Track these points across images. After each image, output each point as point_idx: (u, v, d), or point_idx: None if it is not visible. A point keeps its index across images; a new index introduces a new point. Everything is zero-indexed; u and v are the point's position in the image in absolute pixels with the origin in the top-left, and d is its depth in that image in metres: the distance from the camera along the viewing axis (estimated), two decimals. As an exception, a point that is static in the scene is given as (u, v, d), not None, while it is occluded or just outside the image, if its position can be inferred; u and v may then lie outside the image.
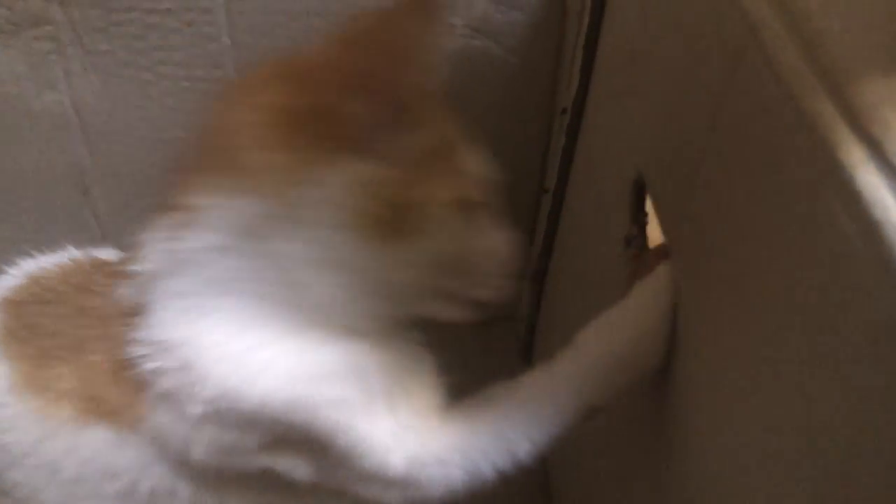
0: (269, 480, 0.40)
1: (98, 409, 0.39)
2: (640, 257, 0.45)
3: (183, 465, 0.39)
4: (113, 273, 0.42)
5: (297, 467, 0.39)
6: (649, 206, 0.44)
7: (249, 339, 0.36)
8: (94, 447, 0.40)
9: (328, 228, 0.35)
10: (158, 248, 0.38)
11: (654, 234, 0.45)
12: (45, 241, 0.56)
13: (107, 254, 0.48)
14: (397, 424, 0.38)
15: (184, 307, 0.37)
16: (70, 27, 0.59)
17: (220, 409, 0.36)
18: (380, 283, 0.37)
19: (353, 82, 0.34)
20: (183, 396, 0.36)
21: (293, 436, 0.37)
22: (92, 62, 0.61)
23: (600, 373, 0.39)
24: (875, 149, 0.24)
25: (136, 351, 0.37)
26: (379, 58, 0.35)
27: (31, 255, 0.48)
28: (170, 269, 0.37)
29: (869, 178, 0.23)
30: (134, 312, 0.39)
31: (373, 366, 0.38)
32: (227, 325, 0.36)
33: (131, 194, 0.69)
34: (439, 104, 0.38)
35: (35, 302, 0.44)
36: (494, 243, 0.40)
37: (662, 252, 0.40)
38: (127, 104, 0.63)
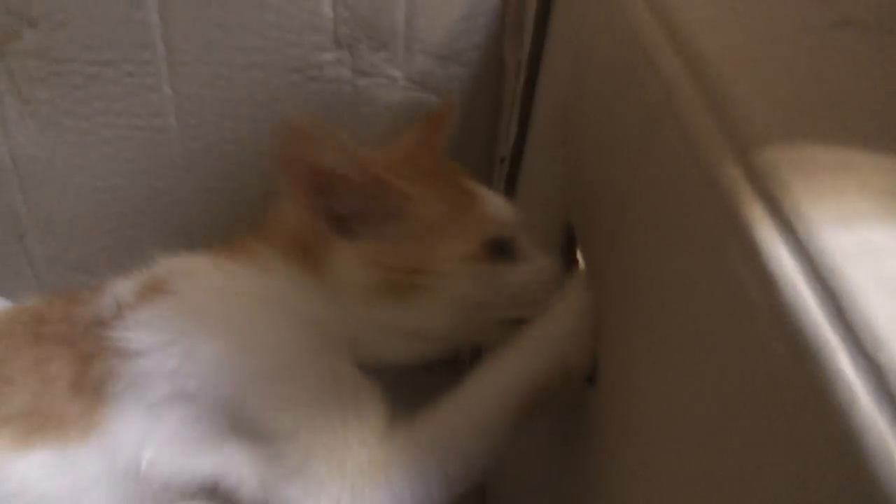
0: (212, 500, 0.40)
1: (45, 424, 0.40)
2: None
3: (125, 482, 0.40)
4: (75, 300, 0.44)
5: (245, 477, 0.40)
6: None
7: (247, 336, 0.41)
8: (25, 476, 0.39)
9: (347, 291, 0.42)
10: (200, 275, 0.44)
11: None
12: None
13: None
14: (349, 443, 0.40)
15: (195, 307, 0.42)
16: (8, 77, 0.59)
17: (195, 388, 0.39)
18: (399, 329, 0.43)
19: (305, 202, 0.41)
20: (161, 374, 0.39)
21: (251, 428, 0.39)
22: (30, 111, 0.61)
23: (530, 367, 0.40)
24: (773, 207, 0.25)
25: (115, 341, 0.40)
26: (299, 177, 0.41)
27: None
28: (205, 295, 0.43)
29: (766, 234, 0.24)
30: (109, 320, 0.41)
31: (337, 387, 0.41)
32: (232, 323, 0.41)
33: (67, 241, 0.68)
34: (433, 179, 0.44)
35: None
36: (529, 274, 0.43)
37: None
38: (65, 152, 0.63)
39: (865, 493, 0.19)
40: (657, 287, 0.31)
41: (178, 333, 0.40)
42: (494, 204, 0.44)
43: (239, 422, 0.39)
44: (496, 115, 0.64)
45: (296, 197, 0.41)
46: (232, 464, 0.40)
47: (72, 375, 0.41)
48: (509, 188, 0.63)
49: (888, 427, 0.19)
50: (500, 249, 0.42)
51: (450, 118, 0.52)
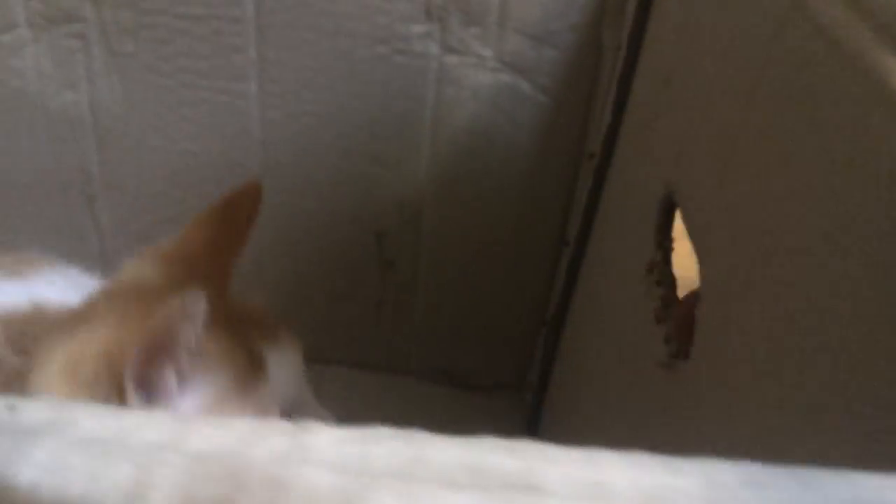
0: None
1: None
2: (665, 296, 0.41)
3: None
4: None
5: None
6: (676, 232, 0.40)
7: None
8: None
9: None
10: None
11: (681, 264, 0.41)
12: (42, 251, 0.54)
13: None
14: None
15: None
16: (99, 26, 0.59)
17: None
18: None
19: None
20: None
21: None
22: (116, 63, 0.60)
23: None
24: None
25: None
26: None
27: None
28: None
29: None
30: None
31: None
32: None
33: (135, 208, 0.67)
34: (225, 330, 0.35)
35: None
36: None
37: (692, 299, 0.36)
38: (144, 110, 0.62)
39: None
40: (782, 213, 0.26)
41: None
42: (277, 381, 0.37)
43: None
44: (588, 106, 0.59)
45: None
46: None
47: None
48: (596, 186, 0.58)
49: None
50: None
51: (254, 206, 0.42)
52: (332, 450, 0.12)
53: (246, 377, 0.35)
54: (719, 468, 0.11)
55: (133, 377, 0.31)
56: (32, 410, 0.11)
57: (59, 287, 0.47)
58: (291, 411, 0.37)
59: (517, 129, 0.61)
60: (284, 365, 0.37)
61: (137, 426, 0.12)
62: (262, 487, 0.11)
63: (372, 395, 0.73)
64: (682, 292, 0.40)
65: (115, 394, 0.31)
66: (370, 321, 0.72)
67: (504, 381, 0.75)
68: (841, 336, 0.22)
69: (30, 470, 0.11)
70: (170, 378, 0.32)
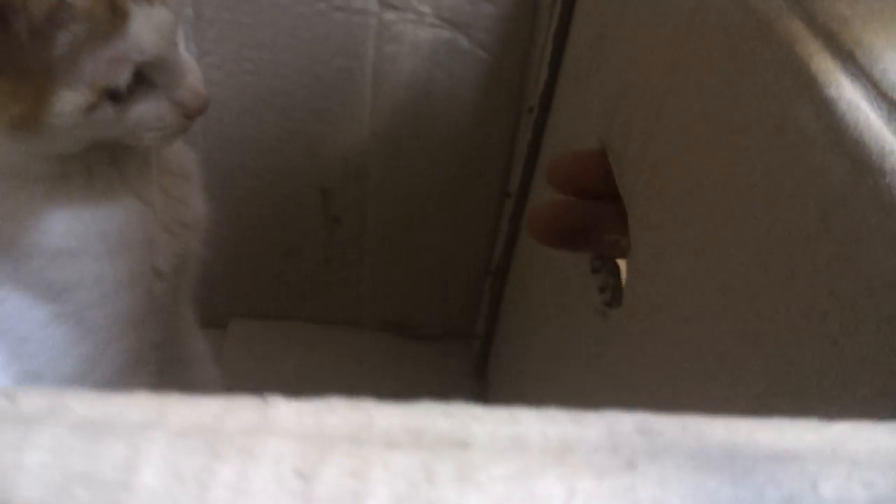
0: None
1: None
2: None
3: None
4: None
5: None
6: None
7: None
8: None
9: None
10: None
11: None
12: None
13: None
14: None
15: None
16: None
17: None
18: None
19: None
20: None
21: None
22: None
23: None
24: (847, 60, 0.22)
25: None
26: None
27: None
28: None
29: (841, 89, 0.21)
30: None
31: None
32: None
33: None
34: None
35: None
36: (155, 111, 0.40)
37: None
38: None
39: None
40: (701, 171, 0.28)
41: None
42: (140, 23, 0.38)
43: None
44: (526, 60, 0.61)
45: None
46: None
47: None
48: (536, 139, 0.60)
49: None
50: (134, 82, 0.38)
51: None
52: (291, 420, 0.13)
53: (105, 28, 0.36)
54: (618, 417, 0.14)
55: None
56: (30, 399, 0.13)
57: None
58: (156, 65, 0.38)
59: (457, 84, 0.62)
60: (150, 19, 0.37)
61: (125, 407, 0.13)
62: (236, 456, 0.13)
63: (325, 348, 0.75)
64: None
65: None
66: (319, 277, 0.73)
67: (452, 330, 0.78)
68: (757, 287, 0.25)
69: (36, 453, 0.12)
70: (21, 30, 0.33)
